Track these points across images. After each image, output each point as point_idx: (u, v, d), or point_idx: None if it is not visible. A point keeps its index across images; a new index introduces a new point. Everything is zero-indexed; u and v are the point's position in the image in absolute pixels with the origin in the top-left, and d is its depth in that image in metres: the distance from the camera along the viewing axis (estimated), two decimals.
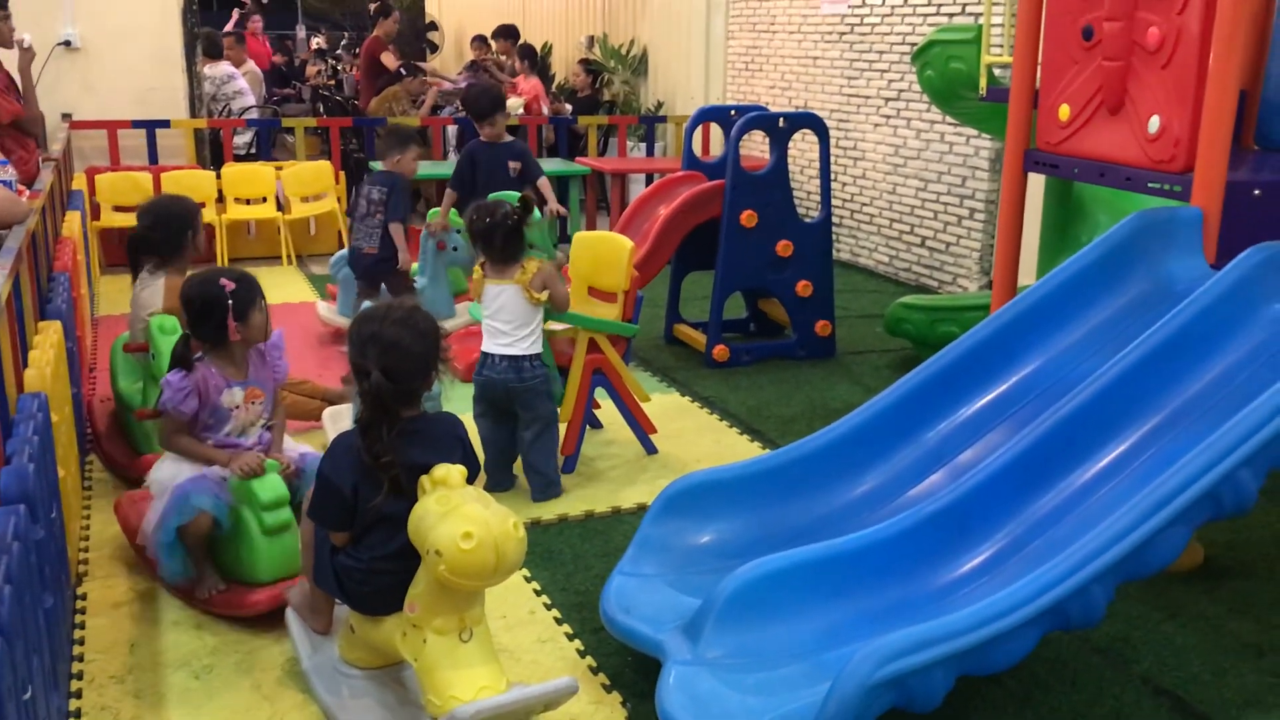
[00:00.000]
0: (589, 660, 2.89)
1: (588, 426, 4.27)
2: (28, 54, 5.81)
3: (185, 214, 3.99)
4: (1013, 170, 4.09)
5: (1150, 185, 3.43)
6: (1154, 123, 3.38)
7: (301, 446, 3.33)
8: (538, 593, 3.23)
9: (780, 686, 2.50)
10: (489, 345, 3.75)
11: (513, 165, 5.55)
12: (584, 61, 10.37)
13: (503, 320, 3.71)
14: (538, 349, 3.74)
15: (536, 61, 10.35)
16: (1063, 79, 3.76)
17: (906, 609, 2.67)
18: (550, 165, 8.49)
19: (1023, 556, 2.67)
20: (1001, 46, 5.73)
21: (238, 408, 3.11)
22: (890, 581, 2.71)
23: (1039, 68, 3.94)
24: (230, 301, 3.04)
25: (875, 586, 2.71)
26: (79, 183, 6.86)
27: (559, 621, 3.08)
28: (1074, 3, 3.66)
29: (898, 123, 7.36)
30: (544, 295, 3.71)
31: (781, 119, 5.40)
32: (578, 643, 2.97)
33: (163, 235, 3.95)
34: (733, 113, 5.81)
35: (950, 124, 6.83)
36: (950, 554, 2.74)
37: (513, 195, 3.94)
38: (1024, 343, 3.28)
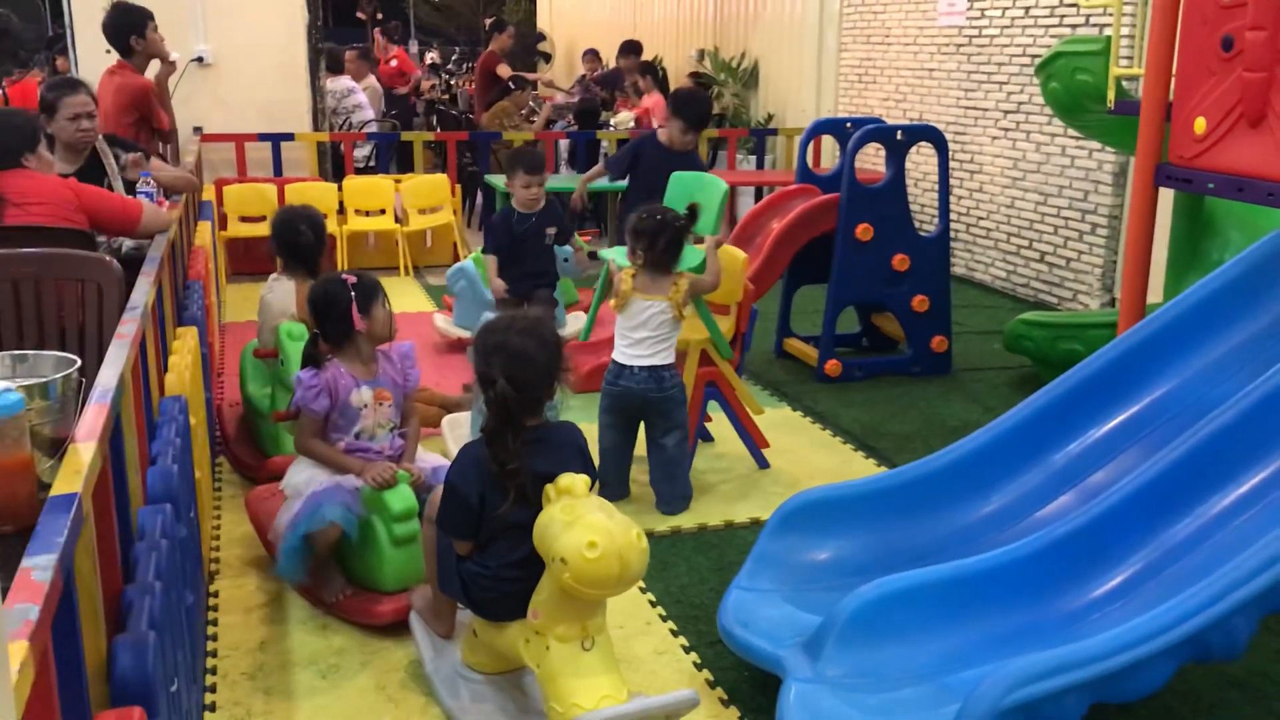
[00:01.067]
0: (706, 673, 2.89)
1: (699, 440, 4.27)
2: (171, 68, 6.05)
3: (317, 223, 4.11)
4: (1143, 185, 3.98)
5: None
6: None
7: (433, 458, 3.37)
8: (653, 604, 3.24)
9: (902, 708, 2.46)
10: (625, 356, 3.74)
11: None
12: (694, 75, 10.39)
13: (646, 333, 3.70)
14: (673, 358, 3.76)
15: (659, 76, 10.40)
16: (1199, 91, 3.64)
17: (1034, 633, 2.61)
18: None
19: (1158, 583, 2.59)
20: (1131, 58, 5.58)
21: (365, 407, 3.17)
22: (1017, 604, 2.65)
23: (1172, 79, 3.83)
24: (353, 294, 3.12)
25: (1002, 609, 2.65)
26: (208, 194, 7.12)
27: (675, 634, 3.08)
28: (1213, 12, 3.55)
29: (1017, 135, 7.22)
30: (689, 312, 3.76)
31: (900, 131, 5.34)
32: (694, 655, 2.97)
33: (315, 242, 4.09)
34: (848, 125, 5.76)
35: (1072, 137, 6.67)
36: (1081, 578, 2.67)
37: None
38: (1157, 363, 3.18)
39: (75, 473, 1.68)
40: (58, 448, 1.94)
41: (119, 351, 2.30)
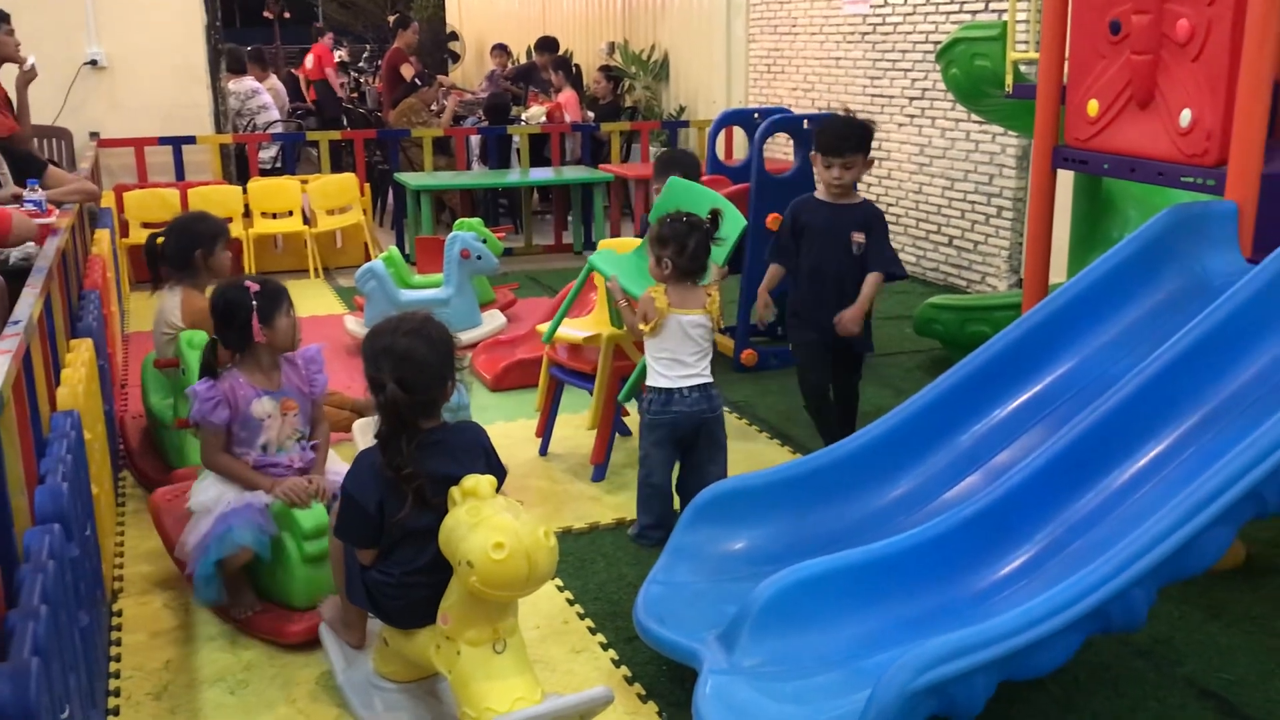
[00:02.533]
0: (624, 670, 2.87)
1: (616, 433, 4.25)
2: (29, 74, 5.78)
3: (204, 233, 3.98)
4: (1041, 167, 4.05)
5: (1184, 179, 3.38)
6: (1185, 116, 3.33)
7: (344, 466, 3.30)
8: (570, 602, 3.21)
9: (818, 695, 2.48)
10: (671, 379, 3.45)
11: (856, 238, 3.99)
12: (605, 68, 10.37)
13: (689, 351, 3.45)
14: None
15: (571, 72, 10.36)
16: (1090, 74, 3.72)
17: (944, 614, 2.64)
18: (574, 173, 8.52)
19: (1062, 559, 2.63)
20: (1027, 43, 5.69)
21: (269, 418, 3.08)
22: (927, 586, 2.68)
23: (1066, 63, 3.90)
24: (255, 303, 3.03)
25: (912, 591, 2.67)
26: (107, 200, 6.92)
27: (593, 631, 3.06)
28: None
29: (922, 122, 7.31)
30: (600, 306, 3.58)
31: (806, 121, 5.37)
32: (612, 652, 2.95)
33: (174, 248, 3.96)
34: (756, 115, 5.79)
35: (976, 122, 6.78)
36: (988, 557, 2.71)
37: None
38: (1058, 342, 3.24)
39: None
40: None
41: None
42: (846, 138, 3.92)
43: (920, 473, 3.11)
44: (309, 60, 13.64)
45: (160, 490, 3.48)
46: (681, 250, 3.40)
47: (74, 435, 2.75)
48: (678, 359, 3.46)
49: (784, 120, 5.39)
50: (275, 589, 3.07)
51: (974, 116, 6.63)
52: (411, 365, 2.42)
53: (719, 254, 3.75)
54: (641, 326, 3.49)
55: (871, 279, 3.92)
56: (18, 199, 4.52)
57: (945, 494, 3.04)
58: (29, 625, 1.81)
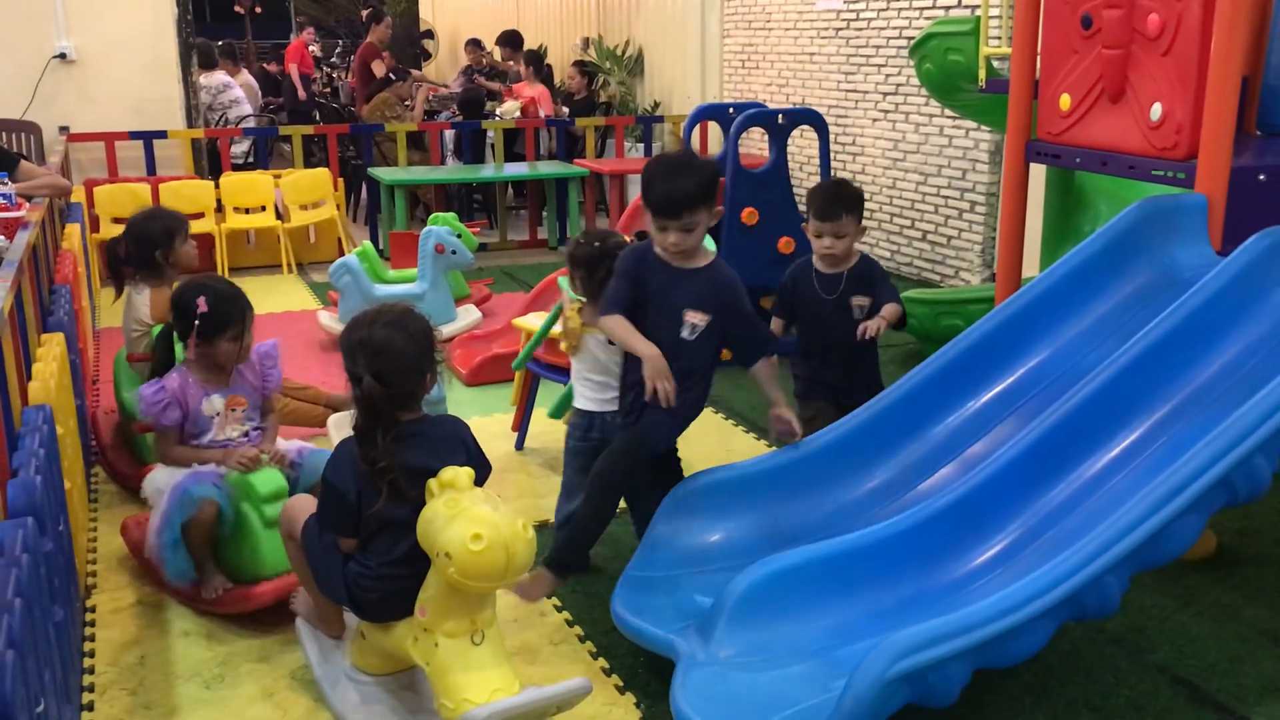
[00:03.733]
0: (602, 661, 2.88)
1: None
2: None
3: (159, 231, 3.95)
4: (1014, 162, 4.07)
5: (1154, 173, 3.41)
6: (1156, 110, 3.37)
7: (299, 443, 3.32)
8: (548, 595, 3.21)
9: (794, 684, 2.49)
10: (595, 402, 3.19)
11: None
12: (579, 63, 10.36)
13: (611, 373, 3.15)
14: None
15: (541, 67, 10.33)
16: (1063, 68, 3.74)
17: (919, 604, 2.65)
18: (548, 168, 8.51)
19: (1036, 548, 2.66)
20: (1000, 38, 5.71)
21: (218, 415, 3.11)
22: (902, 576, 2.70)
23: (1038, 58, 3.93)
24: (197, 322, 3.05)
25: (887, 582, 2.69)
26: (77, 195, 6.85)
27: (570, 623, 3.07)
28: None
29: (896, 117, 7.35)
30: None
31: (780, 115, 5.38)
32: (590, 644, 2.96)
33: (134, 252, 3.95)
34: (731, 110, 5.80)
35: (950, 117, 6.81)
36: (962, 548, 2.72)
37: None
38: (1030, 335, 3.26)
39: None
40: None
41: None
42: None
43: (895, 464, 3.12)
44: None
45: (135, 516, 3.49)
46: (591, 276, 3.14)
47: (46, 429, 2.73)
48: (602, 381, 3.18)
49: (759, 115, 5.40)
50: (241, 562, 3.08)
51: (947, 112, 6.66)
52: (388, 358, 2.41)
53: None
54: (561, 345, 3.31)
55: None
56: None
57: (920, 485, 3.06)
58: (3, 619, 1.80)
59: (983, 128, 6.52)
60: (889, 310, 3.48)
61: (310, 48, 13.63)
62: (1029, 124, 4.01)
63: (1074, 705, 2.68)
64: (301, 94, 11.99)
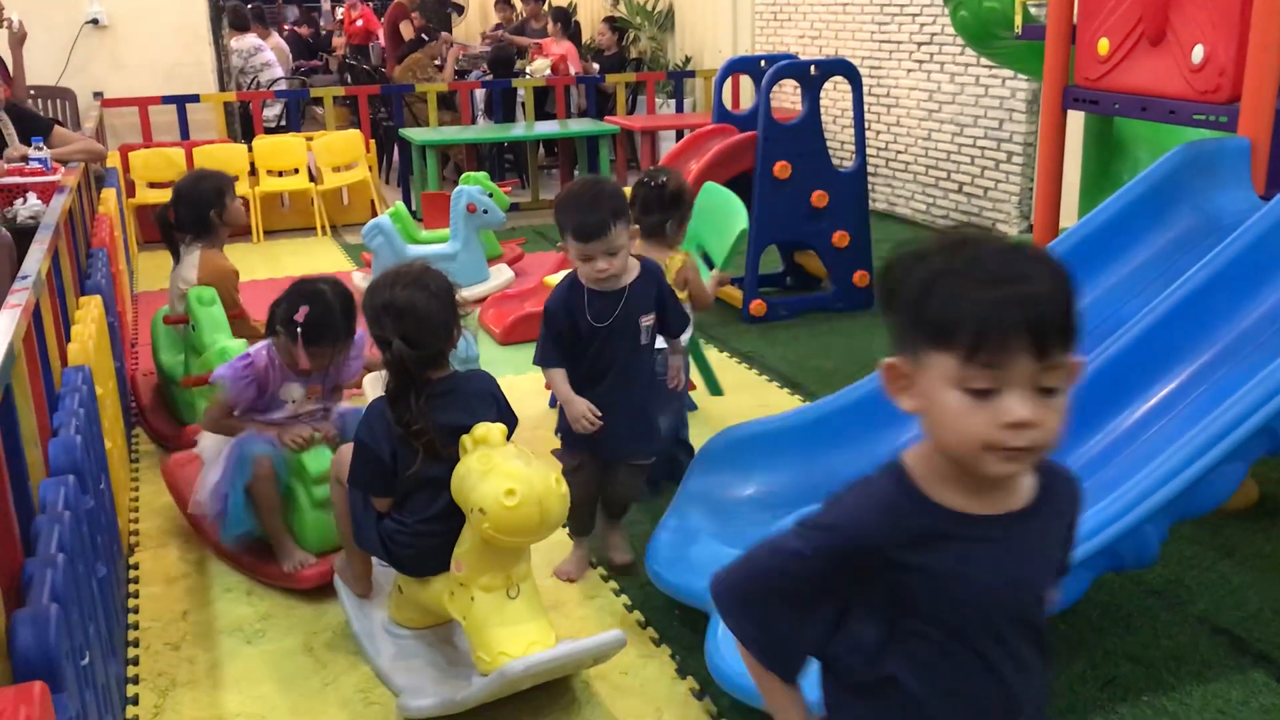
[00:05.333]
0: (637, 615, 2.89)
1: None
2: (19, 34, 5.75)
3: (210, 191, 3.98)
4: (1051, 109, 4.00)
5: (1195, 117, 3.34)
6: (1198, 52, 3.29)
7: (342, 406, 3.31)
8: (592, 565, 3.22)
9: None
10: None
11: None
12: (609, 19, 10.26)
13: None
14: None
15: (569, 24, 10.25)
16: (1101, 12, 3.66)
17: None
18: (579, 126, 8.46)
19: None
20: None
21: (293, 402, 3.07)
22: None
23: (1076, 2, 3.85)
24: (300, 330, 2.88)
25: None
26: (113, 160, 6.89)
27: (605, 578, 3.08)
28: None
29: (931, 67, 7.23)
30: (684, 293, 3.28)
31: (813, 66, 5.31)
32: (625, 598, 2.97)
33: (187, 215, 3.97)
34: (762, 63, 5.72)
35: (985, 66, 6.70)
36: None
37: None
38: None
39: None
40: None
41: (8, 321, 2.21)
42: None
43: None
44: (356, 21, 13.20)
45: (175, 455, 3.53)
46: (644, 214, 3.33)
47: (85, 390, 2.76)
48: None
49: (790, 67, 5.33)
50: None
51: (983, 60, 6.55)
52: (415, 319, 2.39)
53: (718, 256, 3.57)
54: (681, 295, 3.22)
55: None
56: (24, 158, 4.51)
57: None
58: (47, 573, 1.83)
59: (1019, 76, 6.40)
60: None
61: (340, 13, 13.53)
62: (1066, 70, 3.93)
63: (1112, 656, 2.66)
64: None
